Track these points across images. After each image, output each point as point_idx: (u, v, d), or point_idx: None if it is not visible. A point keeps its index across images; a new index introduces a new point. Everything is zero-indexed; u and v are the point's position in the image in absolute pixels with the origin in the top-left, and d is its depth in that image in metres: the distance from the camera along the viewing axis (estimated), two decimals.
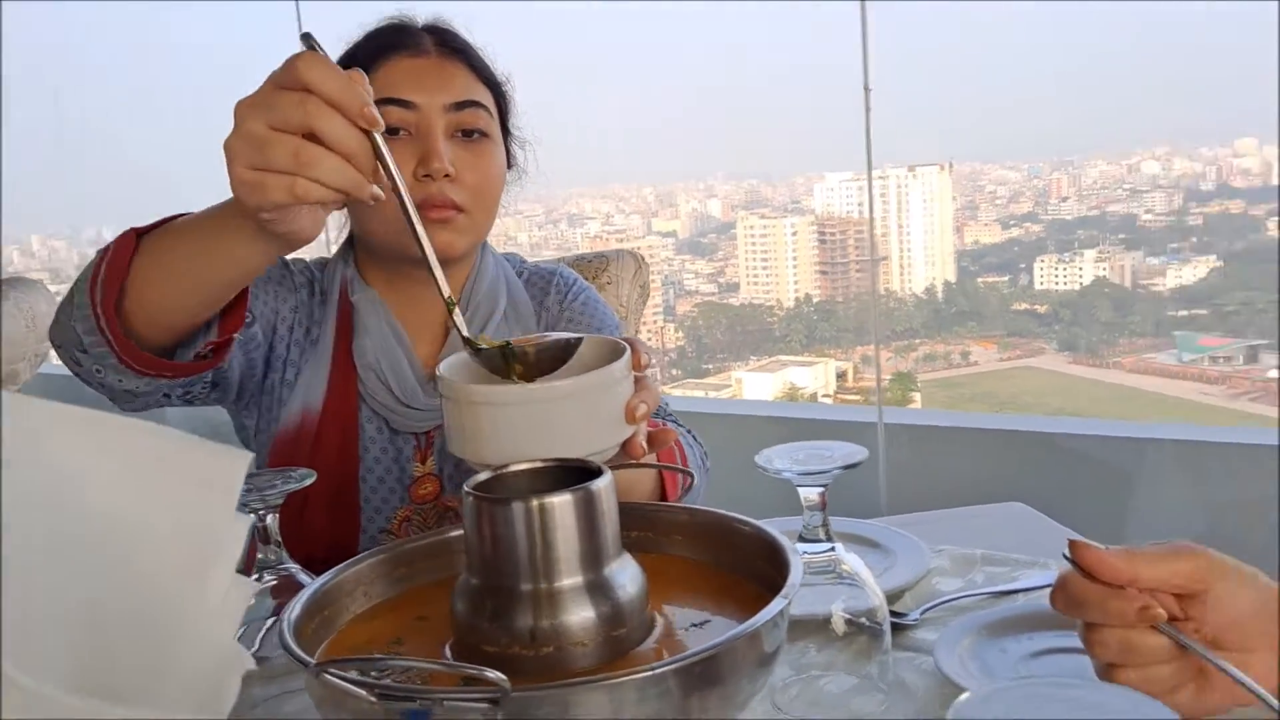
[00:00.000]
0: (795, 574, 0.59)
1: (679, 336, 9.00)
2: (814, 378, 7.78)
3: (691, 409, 2.62)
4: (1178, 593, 0.61)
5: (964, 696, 0.44)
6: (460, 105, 1.09)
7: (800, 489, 0.79)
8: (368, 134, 0.70)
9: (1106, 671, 0.63)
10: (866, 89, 1.67)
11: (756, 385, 7.63)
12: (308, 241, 0.79)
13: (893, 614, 0.91)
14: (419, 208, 0.75)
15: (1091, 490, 1.75)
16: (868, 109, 1.70)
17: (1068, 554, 0.62)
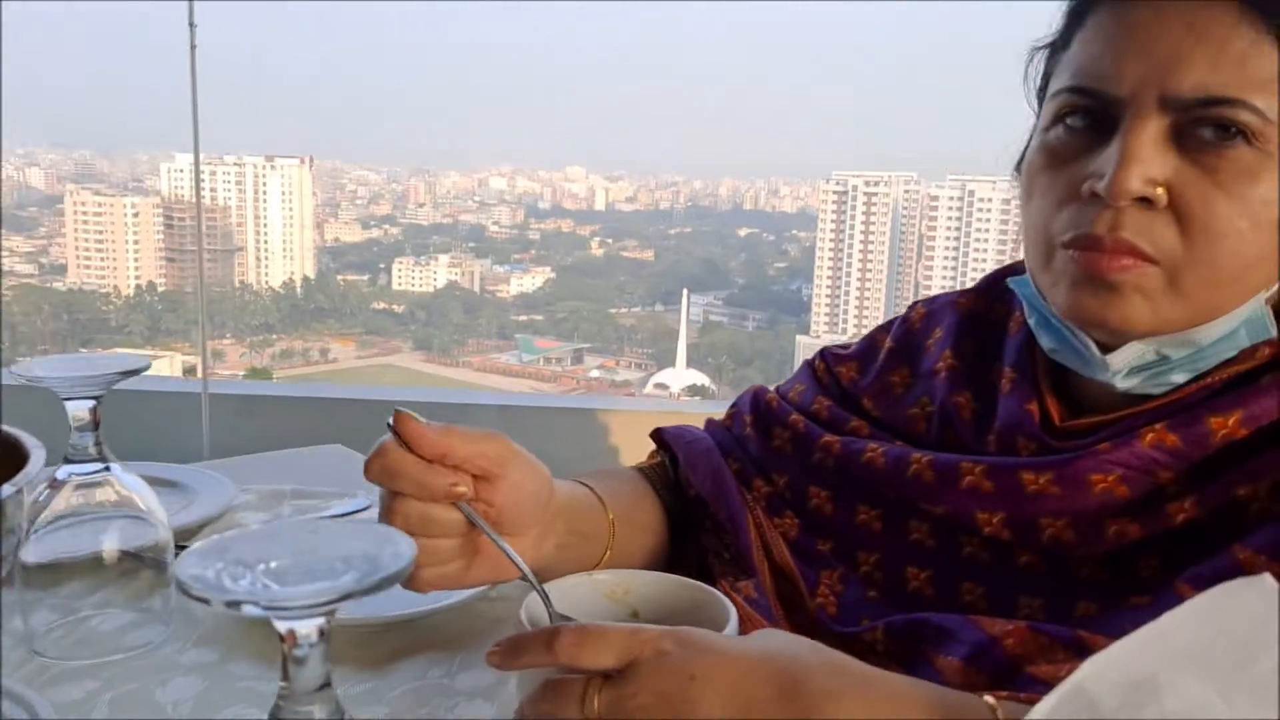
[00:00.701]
0: (34, 465, 0.51)
1: None
2: (158, 372, 7.17)
3: None
4: (477, 474, 0.64)
5: (195, 545, 0.41)
6: None
7: (68, 404, 0.69)
8: None
9: None
10: (191, 25, 1.54)
11: None
12: None
13: (186, 548, 0.85)
14: None
15: None
16: (192, 46, 1.57)
17: (391, 422, 0.62)
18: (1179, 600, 0.44)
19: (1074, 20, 0.65)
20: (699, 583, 0.65)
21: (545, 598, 0.62)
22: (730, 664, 0.51)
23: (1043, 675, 0.59)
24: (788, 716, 0.50)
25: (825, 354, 0.87)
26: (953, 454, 0.70)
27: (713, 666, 0.51)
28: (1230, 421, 0.61)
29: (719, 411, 0.91)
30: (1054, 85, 0.65)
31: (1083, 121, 0.62)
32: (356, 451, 1.23)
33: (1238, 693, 0.42)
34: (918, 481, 0.70)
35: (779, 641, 0.55)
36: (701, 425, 0.91)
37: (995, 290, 0.77)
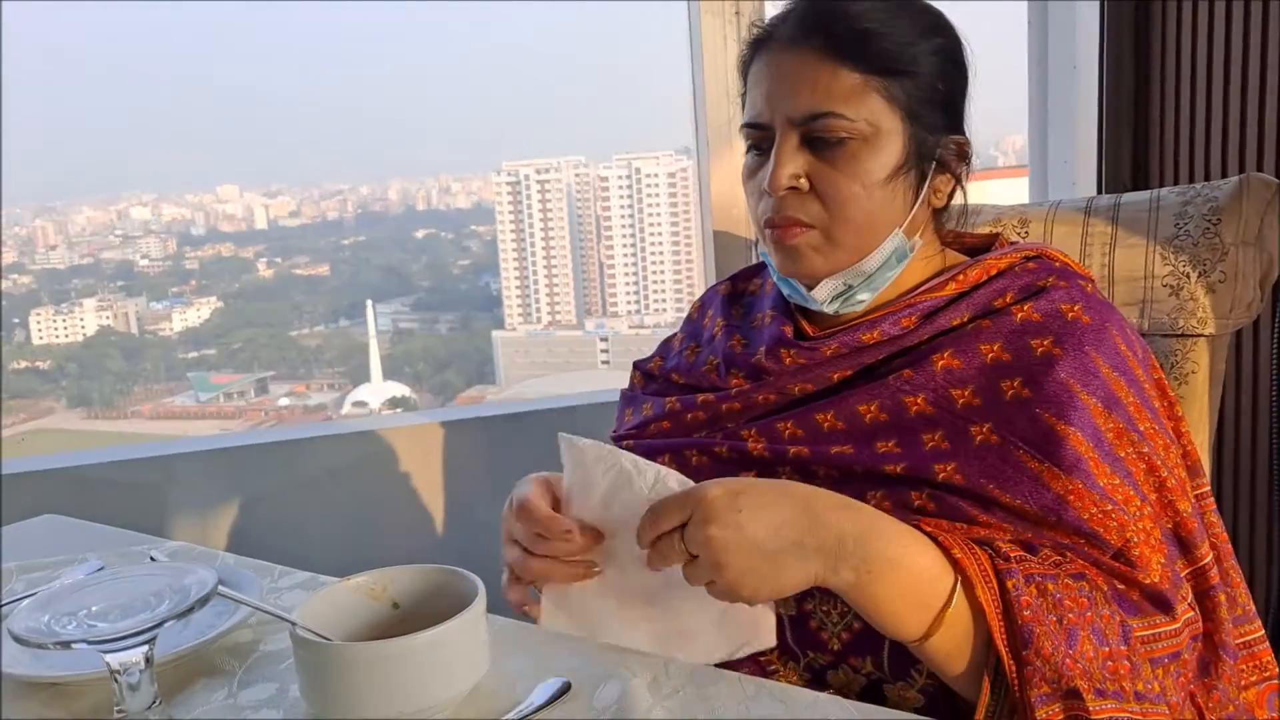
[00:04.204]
0: None
1: None
2: None
3: None
4: None
5: (21, 604, 0.46)
6: None
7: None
8: None
9: None
10: None
11: None
12: None
13: None
14: None
15: (130, 508, 1.77)
16: None
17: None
18: None
19: (742, 79, 0.96)
20: (445, 566, 0.76)
21: (291, 622, 0.68)
22: (764, 492, 0.73)
23: None
24: (808, 526, 0.72)
25: (635, 365, 1.12)
26: (771, 417, 0.93)
27: (752, 497, 0.72)
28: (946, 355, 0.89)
29: (428, 422, 0.99)
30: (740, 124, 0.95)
31: (757, 144, 0.93)
32: (69, 516, 1.20)
33: None
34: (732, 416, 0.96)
35: (791, 483, 0.77)
36: (437, 434, 1.01)
37: (745, 274, 1.11)
